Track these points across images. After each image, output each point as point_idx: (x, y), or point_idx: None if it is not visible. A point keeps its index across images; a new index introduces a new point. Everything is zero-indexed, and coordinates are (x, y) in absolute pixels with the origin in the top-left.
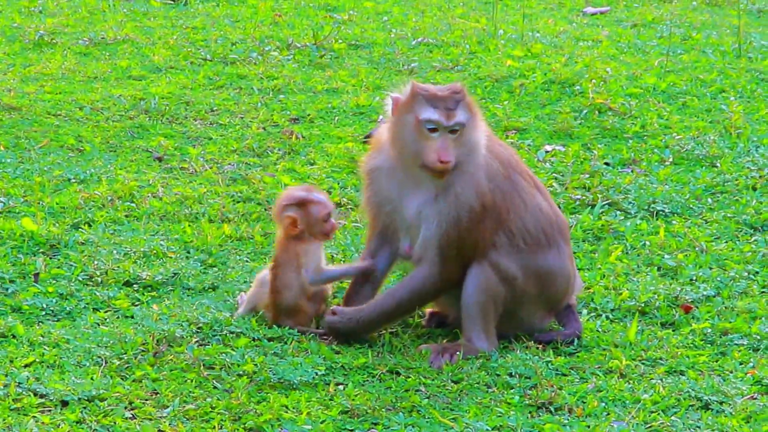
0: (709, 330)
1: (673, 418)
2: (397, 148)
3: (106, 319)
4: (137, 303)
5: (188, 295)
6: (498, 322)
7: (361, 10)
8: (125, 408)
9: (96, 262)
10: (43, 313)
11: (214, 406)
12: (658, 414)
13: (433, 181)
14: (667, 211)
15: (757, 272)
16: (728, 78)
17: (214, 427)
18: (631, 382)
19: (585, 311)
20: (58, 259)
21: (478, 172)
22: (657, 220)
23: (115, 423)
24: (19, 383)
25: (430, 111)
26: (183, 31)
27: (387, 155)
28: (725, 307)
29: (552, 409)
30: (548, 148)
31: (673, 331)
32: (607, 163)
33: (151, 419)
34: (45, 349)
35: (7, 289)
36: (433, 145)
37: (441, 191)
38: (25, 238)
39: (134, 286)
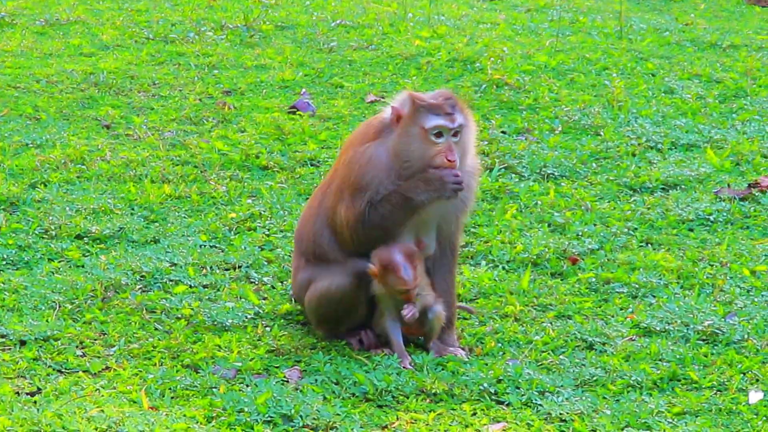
0: (593, 279)
1: (561, 357)
2: (404, 157)
3: (59, 269)
4: (87, 254)
5: (132, 247)
6: None
7: None
8: (76, 347)
9: (51, 218)
10: (4, 262)
11: (155, 345)
12: (548, 353)
13: None
14: (556, 174)
15: (636, 228)
16: (611, 57)
17: (155, 364)
18: (524, 325)
19: (483, 263)
20: (17, 215)
21: (474, 170)
22: (547, 182)
23: (67, 360)
24: None
25: (435, 118)
26: (128, 13)
27: (388, 155)
28: (607, 260)
29: None
30: None
31: (562, 280)
32: (503, 132)
33: (99, 357)
34: (5, 294)
35: None
36: (439, 149)
37: None
38: None
39: (84, 239)
